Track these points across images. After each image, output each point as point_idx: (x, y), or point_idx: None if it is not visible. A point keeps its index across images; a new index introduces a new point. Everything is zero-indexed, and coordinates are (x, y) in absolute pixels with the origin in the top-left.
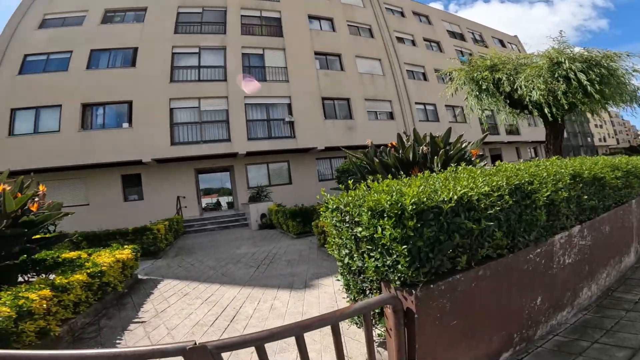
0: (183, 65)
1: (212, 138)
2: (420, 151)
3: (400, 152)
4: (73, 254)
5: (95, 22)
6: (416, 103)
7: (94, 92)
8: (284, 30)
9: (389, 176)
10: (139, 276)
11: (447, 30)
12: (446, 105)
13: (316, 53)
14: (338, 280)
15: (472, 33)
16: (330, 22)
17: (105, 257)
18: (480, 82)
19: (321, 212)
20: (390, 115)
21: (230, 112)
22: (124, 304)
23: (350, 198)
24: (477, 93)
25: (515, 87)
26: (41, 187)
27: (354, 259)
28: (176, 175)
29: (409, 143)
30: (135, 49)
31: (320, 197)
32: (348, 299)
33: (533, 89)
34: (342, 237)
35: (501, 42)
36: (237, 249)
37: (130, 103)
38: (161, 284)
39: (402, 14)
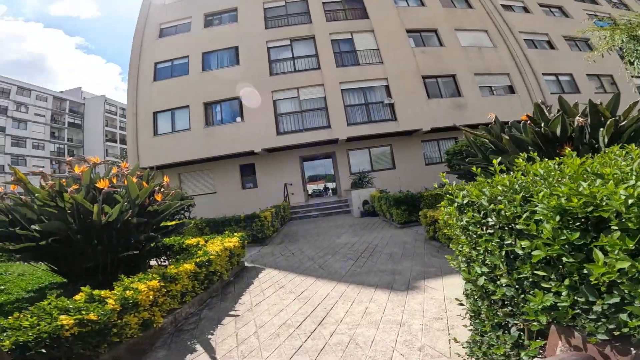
0: (279, 58)
1: (313, 126)
2: (576, 123)
3: (543, 125)
4: (194, 241)
5: (200, 27)
6: (544, 74)
7: (211, 92)
8: (368, 12)
9: (523, 155)
10: (246, 263)
11: None
12: (588, 75)
13: (408, 31)
14: (450, 283)
15: None
16: None
17: (215, 246)
18: None
19: (442, 207)
20: (510, 90)
21: (328, 99)
22: (226, 294)
23: (501, 188)
24: None
25: None
26: (165, 179)
27: (499, 284)
28: (283, 164)
29: (553, 114)
30: (236, 48)
31: (435, 182)
32: (473, 331)
33: None
34: (479, 248)
35: None
36: (338, 238)
37: (239, 98)
38: (262, 273)
39: None
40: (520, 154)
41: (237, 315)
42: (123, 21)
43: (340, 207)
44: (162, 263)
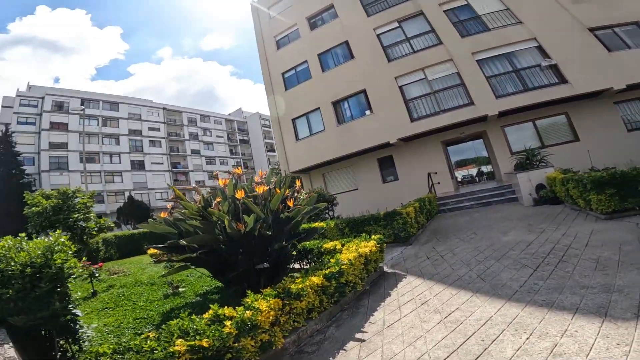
0: (392, 42)
1: (451, 106)
2: None
3: None
4: (331, 244)
5: (307, 31)
6: None
7: (336, 90)
8: None
9: None
10: (385, 268)
11: None
12: None
13: None
14: None
15: None
16: None
17: (349, 252)
18: None
19: None
20: None
21: (462, 73)
22: (359, 307)
23: None
24: None
25: None
26: (297, 183)
27: None
28: (424, 152)
29: None
30: (346, 42)
31: None
32: None
33: None
34: None
35: None
36: (503, 235)
37: (364, 91)
38: (402, 283)
39: None
40: None
41: (364, 340)
42: (253, 43)
43: (503, 194)
44: (304, 267)
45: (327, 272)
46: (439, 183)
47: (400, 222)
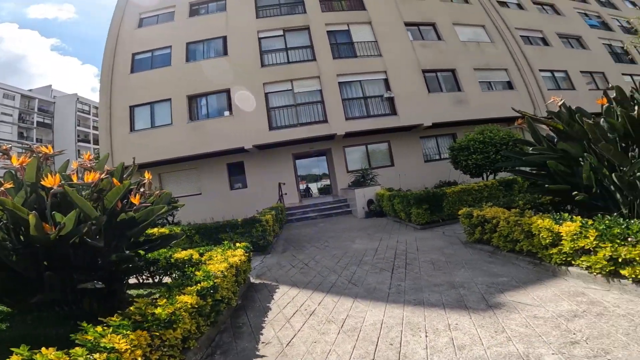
0: (271, 48)
1: (308, 120)
2: None
3: (637, 109)
4: (185, 254)
5: (184, 16)
6: (541, 70)
7: (196, 84)
8: (365, 3)
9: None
10: (251, 278)
11: None
12: (582, 72)
13: (407, 24)
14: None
15: None
16: None
17: (218, 263)
18: None
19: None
20: (509, 85)
21: (324, 91)
22: (240, 327)
23: None
24: None
25: None
26: (146, 175)
27: None
28: (275, 162)
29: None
30: (225, 38)
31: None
32: None
33: None
34: None
35: (633, 2)
36: (352, 243)
37: (228, 91)
38: (277, 294)
39: None
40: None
41: None
42: (102, 21)
43: (340, 207)
44: (146, 281)
45: (199, 287)
46: (286, 194)
47: (260, 229)
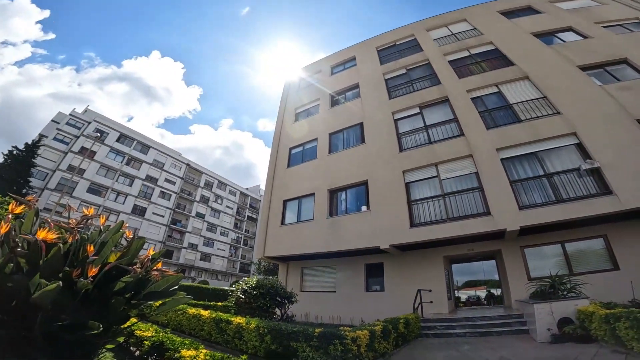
0: (408, 129)
1: (461, 214)
2: None
3: None
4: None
5: (327, 107)
6: None
7: (336, 177)
8: (511, 58)
9: None
10: None
11: None
12: None
13: (583, 68)
14: None
15: None
16: (571, 31)
17: None
18: None
19: None
20: None
21: (481, 173)
22: None
23: None
24: None
25: None
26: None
27: None
28: (421, 265)
29: None
30: (361, 124)
31: None
32: None
33: None
34: None
35: None
36: None
37: (366, 183)
38: None
39: None
40: None
41: None
42: None
43: (509, 324)
44: None
45: None
46: (431, 302)
47: (340, 348)
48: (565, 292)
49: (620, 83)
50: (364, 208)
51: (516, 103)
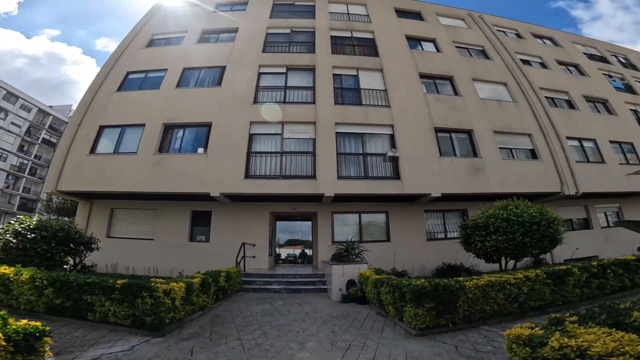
0: (269, 85)
1: (293, 174)
2: None
3: None
4: None
5: (193, 42)
6: (568, 138)
7: (177, 112)
8: (379, 51)
9: None
10: None
11: (584, 53)
12: (611, 141)
13: (422, 75)
14: None
15: (615, 56)
16: (433, 43)
17: None
18: None
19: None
20: (532, 154)
21: (318, 140)
22: None
23: None
24: None
25: None
26: None
27: None
28: (249, 218)
29: None
30: (223, 68)
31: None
32: None
33: None
34: None
35: None
36: (299, 348)
37: (209, 125)
38: None
39: (519, 36)
40: None
41: None
42: None
43: (314, 282)
44: None
45: None
46: (254, 257)
47: (150, 302)
48: (354, 257)
49: (437, 95)
50: (200, 150)
51: (364, 89)
